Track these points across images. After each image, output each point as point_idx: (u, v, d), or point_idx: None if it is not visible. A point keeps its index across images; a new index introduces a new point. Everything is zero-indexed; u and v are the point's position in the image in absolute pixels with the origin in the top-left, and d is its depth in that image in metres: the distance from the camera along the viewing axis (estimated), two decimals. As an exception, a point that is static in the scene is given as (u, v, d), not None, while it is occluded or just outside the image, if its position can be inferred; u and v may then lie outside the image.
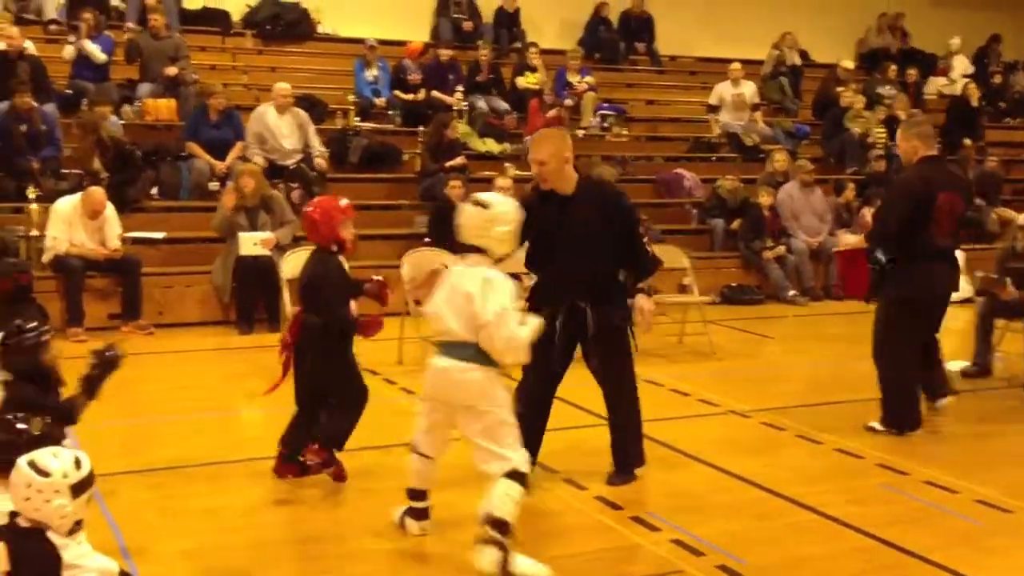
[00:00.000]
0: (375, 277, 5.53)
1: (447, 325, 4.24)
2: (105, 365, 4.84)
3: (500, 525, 4.04)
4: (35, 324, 4.78)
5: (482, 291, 4.14)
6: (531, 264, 5.39)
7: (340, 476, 5.21)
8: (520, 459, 4.17)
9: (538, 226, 5.04)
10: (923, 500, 5.18)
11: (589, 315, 5.14)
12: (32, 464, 3.28)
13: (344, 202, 5.26)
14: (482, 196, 4.42)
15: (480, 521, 4.09)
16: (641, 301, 5.33)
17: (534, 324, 4.23)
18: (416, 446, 4.52)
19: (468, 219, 4.31)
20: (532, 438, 5.18)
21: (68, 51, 11.66)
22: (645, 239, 5.45)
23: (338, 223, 5.14)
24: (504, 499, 4.07)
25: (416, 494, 4.56)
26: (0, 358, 4.70)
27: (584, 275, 5.16)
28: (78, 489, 3.30)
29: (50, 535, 3.29)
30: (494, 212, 4.30)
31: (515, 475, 4.12)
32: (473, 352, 4.18)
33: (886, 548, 4.55)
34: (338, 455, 5.22)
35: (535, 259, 5.33)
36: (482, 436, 4.20)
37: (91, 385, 4.76)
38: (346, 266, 5.40)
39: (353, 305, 5.61)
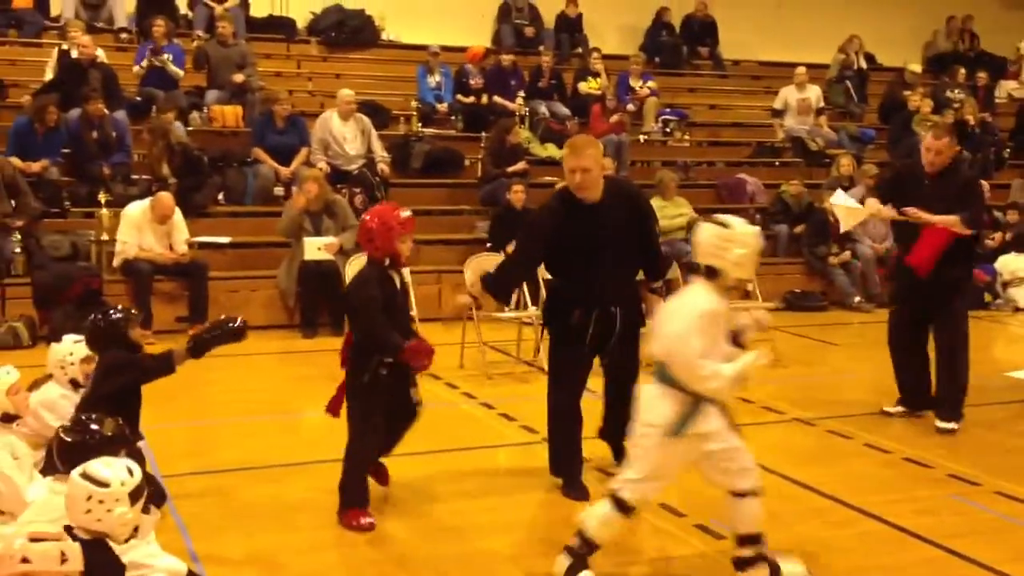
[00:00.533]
0: (418, 339, 4.93)
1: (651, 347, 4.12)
2: (223, 332, 4.91)
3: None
4: (118, 307, 5.04)
5: (671, 316, 4.03)
6: (556, 271, 5.34)
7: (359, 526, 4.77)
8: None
9: (569, 233, 5.08)
10: (994, 512, 5.08)
11: (619, 318, 5.18)
12: (87, 476, 3.26)
13: (406, 214, 4.85)
14: (723, 216, 4.14)
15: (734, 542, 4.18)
16: (652, 302, 5.26)
17: (744, 361, 4.06)
18: None
19: (706, 237, 4.05)
20: (575, 447, 5.32)
21: (141, 66, 11.80)
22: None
23: (396, 236, 4.77)
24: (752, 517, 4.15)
25: None
26: (89, 338, 4.79)
27: (617, 280, 5.20)
28: (135, 495, 3.31)
29: (110, 543, 3.30)
30: (734, 233, 4.02)
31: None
32: (664, 374, 4.04)
33: (955, 559, 4.46)
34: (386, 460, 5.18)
35: (561, 266, 5.29)
36: None
37: (199, 345, 4.83)
38: (400, 280, 4.94)
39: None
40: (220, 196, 10.90)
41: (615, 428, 5.48)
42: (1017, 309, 11.38)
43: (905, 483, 5.57)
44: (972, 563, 4.42)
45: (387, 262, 4.82)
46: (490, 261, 8.78)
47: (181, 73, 11.89)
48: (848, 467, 5.87)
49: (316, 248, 9.49)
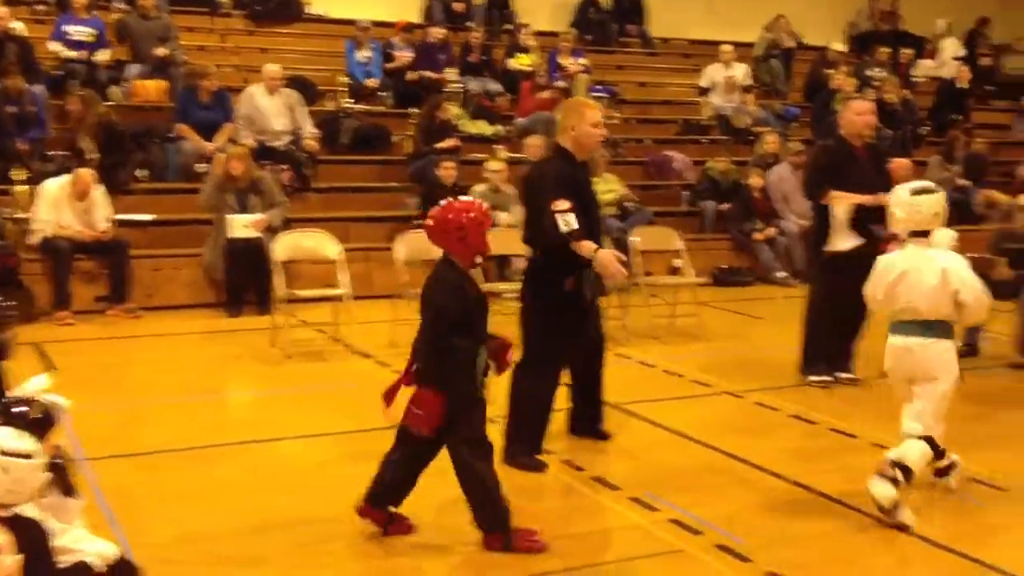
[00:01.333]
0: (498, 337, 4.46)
1: (912, 305, 4.64)
2: None
3: (906, 470, 4.51)
4: (7, 304, 4.79)
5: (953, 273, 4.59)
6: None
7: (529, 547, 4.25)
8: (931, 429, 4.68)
9: (578, 194, 5.16)
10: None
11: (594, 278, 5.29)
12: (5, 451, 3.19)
13: (486, 205, 4.44)
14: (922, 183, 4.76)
15: (886, 460, 4.54)
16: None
17: None
18: None
19: (930, 206, 4.68)
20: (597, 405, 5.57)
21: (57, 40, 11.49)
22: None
23: (486, 229, 4.31)
24: (919, 456, 4.61)
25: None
26: None
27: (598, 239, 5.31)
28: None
29: (42, 524, 3.23)
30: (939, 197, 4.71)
31: (929, 440, 4.66)
32: (939, 329, 4.63)
33: (880, 525, 4.54)
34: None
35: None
36: (924, 398, 4.68)
37: None
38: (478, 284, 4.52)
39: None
40: (142, 173, 10.63)
41: (592, 414, 5.62)
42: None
43: (832, 452, 5.67)
44: (898, 528, 4.50)
45: (479, 261, 4.35)
46: (421, 239, 8.71)
47: (108, 53, 11.56)
48: (776, 438, 5.96)
49: (242, 225, 9.33)
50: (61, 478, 3.42)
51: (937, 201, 4.74)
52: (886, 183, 6.61)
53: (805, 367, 7.11)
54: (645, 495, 4.86)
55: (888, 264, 4.80)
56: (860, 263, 6.68)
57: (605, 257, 5.06)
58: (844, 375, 7.08)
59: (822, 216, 6.90)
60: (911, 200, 4.74)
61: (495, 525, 4.23)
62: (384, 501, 4.40)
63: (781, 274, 11.62)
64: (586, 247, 5.07)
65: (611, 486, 4.98)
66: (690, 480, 5.16)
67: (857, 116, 6.80)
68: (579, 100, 5.83)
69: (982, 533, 4.61)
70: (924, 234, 4.73)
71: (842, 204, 6.73)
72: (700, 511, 4.64)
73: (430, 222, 4.32)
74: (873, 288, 4.89)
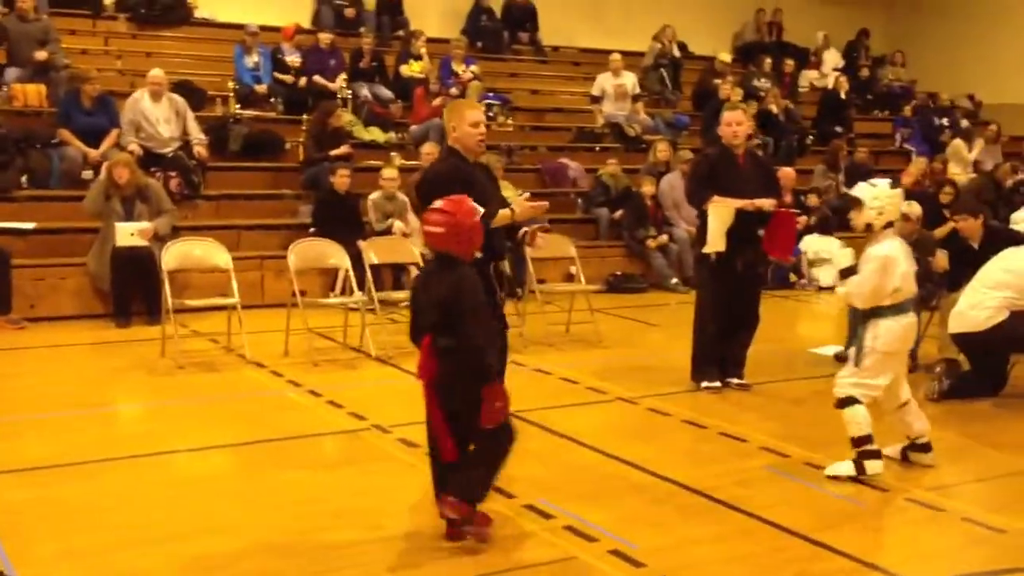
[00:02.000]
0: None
1: (909, 286, 5.31)
2: None
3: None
4: None
5: None
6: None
7: (482, 536, 4.41)
8: None
9: (474, 189, 5.20)
10: (804, 481, 5.34)
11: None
12: None
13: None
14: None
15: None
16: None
17: None
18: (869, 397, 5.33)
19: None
20: None
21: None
22: None
23: (481, 228, 4.45)
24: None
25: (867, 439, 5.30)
26: None
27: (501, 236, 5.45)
28: None
29: None
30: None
31: None
32: None
33: (771, 528, 4.67)
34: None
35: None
36: None
37: None
38: None
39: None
40: (23, 180, 10.30)
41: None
42: (821, 288, 12.00)
43: (721, 456, 5.80)
44: (785, 531, 4.63)
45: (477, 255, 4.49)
46: (315, 246, 8.66)
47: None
48: (668, 443, 6.08)
49: (129, 234, 9.10)
50: None
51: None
52: (768, 190, 6.91)
53: (696, 373, 7.27)
54: (539, 502, 4.90)
55: (895, 255, 5.26)
56: (737, 269, 6.96)
57: (520, 207, 5.41)
58: (735, 381, 7.25)
59: (704, 223, 7.08)
60: (892, 193, 5.39)
61: (471, 495, 4.35)
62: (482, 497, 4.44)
63: (674, 280, 11.84)
64: (501, 215, 5.27)
65: (506, 494, 5.00)
66: (584, 486, 5.22)
67: (726, 126, 6.98)
68: (459, 102, 5.98)
69: (863, 535, 4.78)
70: (890, 224, 5.35)
71: (719, 209, 6.92)
72: (594, 517, 4.70)
73: (439, 229, 4.32)
74: (888, 280, 5.23)
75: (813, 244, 12.40)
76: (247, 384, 7.31)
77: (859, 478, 5.30)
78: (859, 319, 5.40)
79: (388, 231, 10.21)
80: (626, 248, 12.09)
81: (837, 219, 13.26)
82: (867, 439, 5.33)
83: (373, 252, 8.66)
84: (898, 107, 17.95)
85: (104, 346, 8.49)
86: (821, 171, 14.21)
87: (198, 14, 14.48)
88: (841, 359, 8.10)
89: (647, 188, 12.13)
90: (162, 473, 5.40)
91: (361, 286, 8.47)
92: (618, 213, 12.31)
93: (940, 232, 9.43)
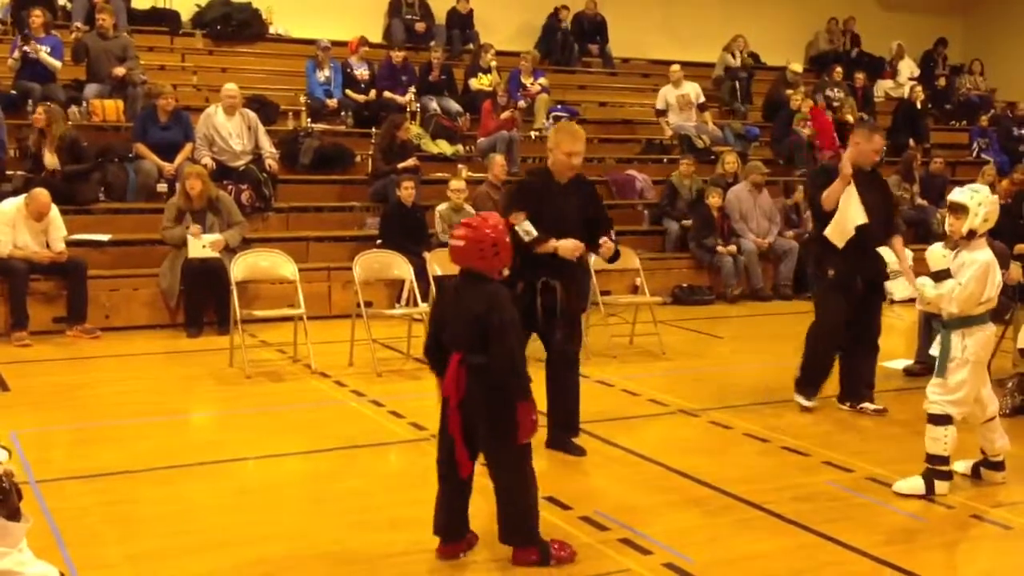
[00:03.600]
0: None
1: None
2: None
3: None
4: None
5: None
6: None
7: (565, 560, 4.33)
8: None
9: (541, 205, 5.68)
10: (867, 497, 5.25)
11: (560, 292, 5.78)
12: None
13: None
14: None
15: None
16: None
17: None
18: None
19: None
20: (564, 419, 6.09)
21: (14, 59, 11.40)
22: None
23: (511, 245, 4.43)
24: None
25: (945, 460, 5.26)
26: None
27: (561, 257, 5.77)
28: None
29: None
30: None
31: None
32: None
33: (829, 544, 4.60)
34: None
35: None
36: None
37: None
38: None
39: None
40: (99, 193, 10.59)
41: (561, 429, 6.05)
42: (893, 301, 11.78)
43: (782, 471, 5.73)
44: (845, 547, 4.57)
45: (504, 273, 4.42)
46: (380, 258, 8.76)
47: (58, 64, 11.52)
48: (729, 456, 6.02)
49: (201, 246, 9.31)
50: (5, 502, 3.41)
51: None
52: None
53: (798, 388, 7.04)
54: (595, 513, 4.89)
55: (994, 263, 5.23)
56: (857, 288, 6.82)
57: (562, 244, 5.70)
58: (870, 407, 6.98)
59: (822, 239, 6.94)
60: (994, 199, 5.35)
61: (531, 539, 4.31)
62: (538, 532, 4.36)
63: (737, 291, 11.73)
64: (547, 245, 5.65)
65: (562, 505, 5.01)
66: (641, 499, 5.20)
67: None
68: (566, 126, 6.41)
69: (921, 552, 4.68)
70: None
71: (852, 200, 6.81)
72: (650, 530, 4.68)
73: (460, 242, 4.29)
74: (987, 287, 5.18)
75: (886, 256, 12.15)
76: (312, 394, 7.41)
77: (927, 496, 5.20)
78: (941, 328, 5.27)
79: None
80: (693, 259, 12.01)
81: (912, 230, 13.05)
82: (945, 460, 5.22)
83: (437, 264, 8.73)
84: (976, 117, 17.56)
85: (175, 355, 8.68)
86: (895, 182, 13.93)
87: (272, 30, 14.78)
88: (911, 373, 7.99)
89: (714, 200, 12.04)
90: (228, 480, 5.50)
91: (425, 297, 8.55)
92: (686, 222, 12.25)
93: (1022, 248, 9.13)
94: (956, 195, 5.34)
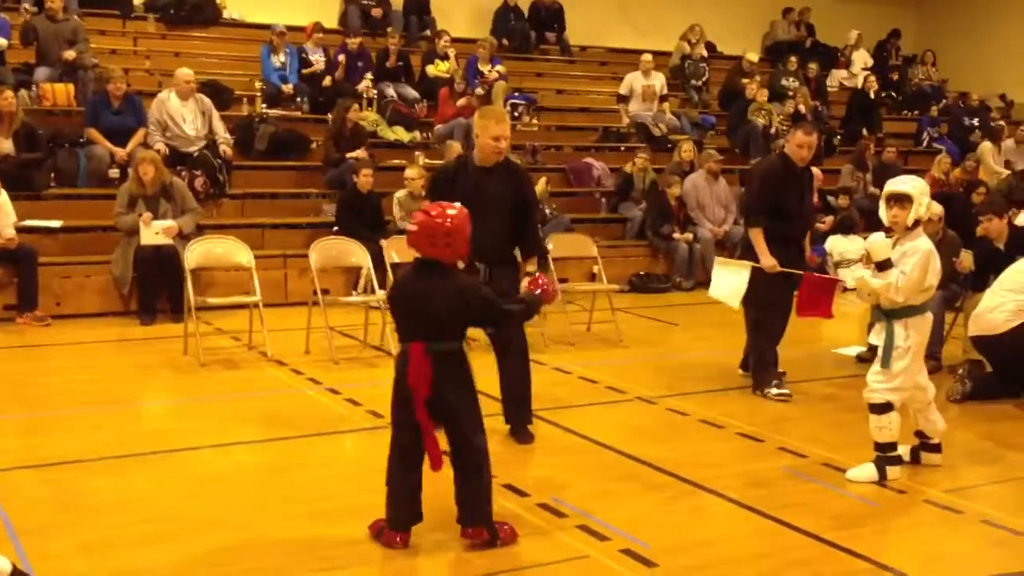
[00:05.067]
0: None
1: None
2: None
3: None
4: None
5: None
6: None
7: (510, 541, 4.41)
8: None
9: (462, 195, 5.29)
10: (821, 482, 5.31)
11: (484, 274, 5.67)
12: None
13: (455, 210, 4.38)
14: None
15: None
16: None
17: None
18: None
19: None
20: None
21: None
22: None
23: (468, 233, 4.35)
24: None
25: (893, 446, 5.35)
26: None
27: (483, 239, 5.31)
28: None
29: None
30: None
31: None
32: None
33: (785, 529, 4.65)
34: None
35: None
36: None
37: None
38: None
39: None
40: (51, 178, 10.42)
41: (508, 416, 6.03)
42: (846, 289, 11.86)
43: (738, 457, 5.78)
44: (799, 532, 4.61)
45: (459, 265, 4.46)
46: (336, 245, 8.70)
47: (4, 42, 11.29)
48: (685, 443, 6.05)
49: (153, 232, 9.18)
50: None
51: None
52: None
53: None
54: (552, 500, 4.91)
55: (935, 251, 5.26)
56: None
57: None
58: None
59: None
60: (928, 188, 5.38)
61: (484, 519, 4.37)
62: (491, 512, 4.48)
63: (678, 279, 11.79)
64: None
65: (520, 492, 5.01)
66: (599, 486, 5.21)
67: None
68: (489, 111, 6.11)
69: (876, 536, 4.74)
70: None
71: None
72: (607, 516, 4.70)
73: (414, 227, 4.27)
74: (931, 274, 5.20)
75: (838, 245, 12.31)
76: (268, 382, 7.36)
77: (880, 483, 5.26)
78: (882, 318, 5.32)
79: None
80: (650, 247, 12.05)
81: (864, 219, 13.19)
82: (893, 446, 5.29)
83: (394, 251, 8.69)
84: (928, 107, 17.79)
85: (128, 343, 8.57)
86: (849, 171, 14.11)
87: (226, 14, 14.60)
88: (863, 360, 8.08)
89: (674, 190, 12.07)
90: (182, 470, 5.44)
91: (383, 285, 8.50)
92: (641, 206, 12.29)
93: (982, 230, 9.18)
94: (898, 186, 5.32)
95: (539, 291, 4.60)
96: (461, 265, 4.50)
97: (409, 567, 4.25)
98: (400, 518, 4.37)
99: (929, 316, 5.36)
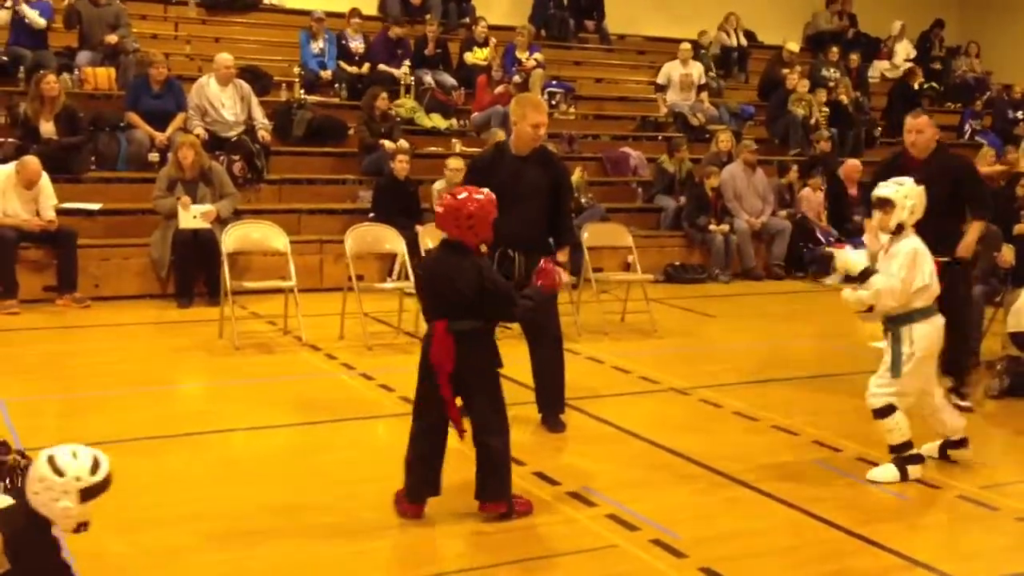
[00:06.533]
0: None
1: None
2: None
3: None
4: None
5: None
6: None
7: (523, 511, 4.57)
8: None
9: (494, 182, 5.25)
10: (854, 476, 5.26)
11: (519, 262, 5.65)
12: (51, 460, 3.20)
13: (492, 194, 4.50)
14: None
15: None
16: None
17: None
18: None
19: None
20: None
21: (3, 15, 11.38)
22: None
23: (492, 218, 4.46)
24: None
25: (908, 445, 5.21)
26: None
27: (518, 227, 5.49)
28: (88, 494, 3.22)
29: (54, 530, 3.25)
30: None
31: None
32: None
33: (815, 522, 4.62)
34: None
35: None
36: None
37: None
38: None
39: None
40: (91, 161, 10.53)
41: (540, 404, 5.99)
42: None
43: (771, 449, 5.74)
44: (831, 525, 4.58)
45: (482, 248, 4.55)
46: (372, 231, 8.73)
47: (43, 22, 11.38)
48: (718, 434, 6.02)
49: (192, 216, 9.26)
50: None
51: None
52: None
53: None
54: (583, 490, 4.90)
55: (923, 249, 5.12)
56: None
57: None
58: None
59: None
60: (920, 190, 5.16)
61: (504, 495, 4.50)
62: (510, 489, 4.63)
63: (716, 271, 11.71)
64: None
65: (551, 480, 5.01)
66: (630, 476, 5.20)
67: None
68: (527, 99, 6.12)
69: (907, 531, 4.70)
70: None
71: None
72: (637, 506, 4.69)
73: (440, 209, 4.42)
74: (918, 274, 5.07)
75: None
76: (302, 366, 7.40)
77: (904, 482, 5.21)
78: (889, 326, 5.17)
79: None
80: (686, 237, 11.98)
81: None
82: (908, 445, 5.20)
83: (429, 237, 8.69)
84: (971, 99, 17.53)
85: (165, 326, 8.66)
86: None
87: (267, 0, 14.65)
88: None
89: (712, 180, 11.98)
90: (217, 452, 5.49)
91: (418, 271, 8.51)
92: (680, 198, 12.22)
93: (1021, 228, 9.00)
94: (882, 190, 5.18)
95: (539, 281, 4.60)
96: (484, 248, 4.59)
97: (442, 550, 4.26)
98: (417, 489, 4.49)
99: (937, 321, 5.17)
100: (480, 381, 4.45)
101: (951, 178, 6.38)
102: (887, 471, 5.22)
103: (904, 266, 5.05)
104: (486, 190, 4.48)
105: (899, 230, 5.13)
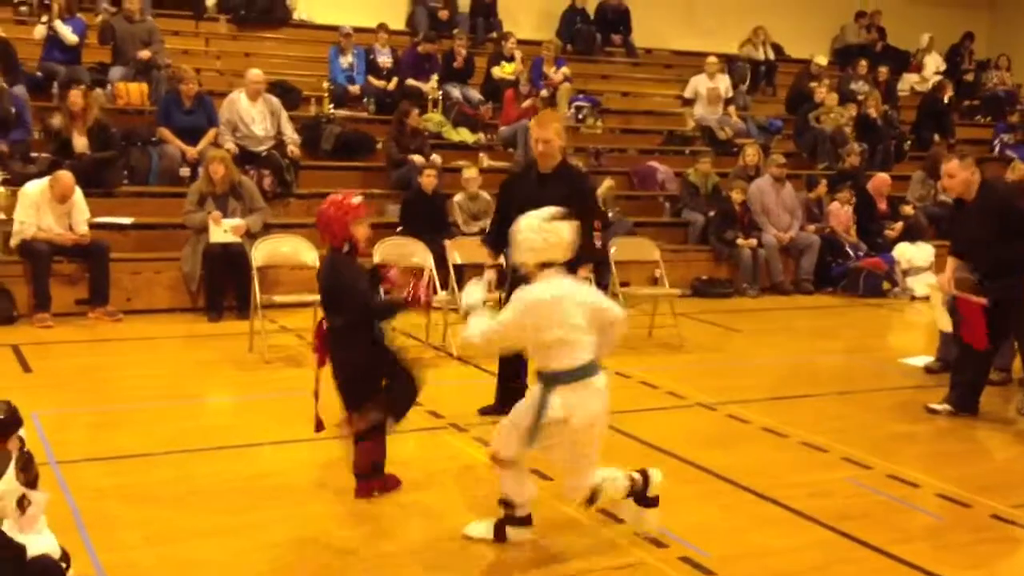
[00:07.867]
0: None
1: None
2: None
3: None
4: None
5: None
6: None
7: (389, 489, 5.03)
8: None
9: (511, 200, 5.54)
10: (885, 494, 5.23)
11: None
12: None
13: (357, 199, 4.94)
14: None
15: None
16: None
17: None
18: None
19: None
20: None
21: (39, 31, 11.54)
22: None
23: (351, 220, 4.85)
24: None
25: None
26: None
27: None
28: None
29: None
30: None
31: None
32: None
33: (845, 540, 4.59)
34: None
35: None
36: None
37: None
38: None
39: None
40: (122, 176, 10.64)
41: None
42: (914, 297, 11.71)
43: (800, 466, 5.71)
44: (861, 544, 4.55)
45: (347, 248, 4.89)
46: (400, 245, 8.77)
47: (75, 39, 11.53)
48: (746, 451, 6.00)
49: (222, 231, 9.34)
50: (28, 469, 3.46)
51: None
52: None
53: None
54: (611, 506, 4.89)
55: None
56: None
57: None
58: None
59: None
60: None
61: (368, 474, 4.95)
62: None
63: (744, 285, 11.67)
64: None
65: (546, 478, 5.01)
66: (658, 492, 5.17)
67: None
68: (536, 115, 6.44)
69: (938, 551, 4.66)
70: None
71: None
72: (666, 523, 4.66)
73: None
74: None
75: (907, 252, 12.12)
76: (330, 380, 7.40)
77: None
78: None
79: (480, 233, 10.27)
80: (713, 252, 11.95)
81: (934, 227, 12.97)
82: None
83: (457, 252, 8.73)
84: (1002, 112, 17.40)
85: (195, 339, 8.72)
86: (920, 178, 13.84)
87: (296, 16, 14.80)
88: (931, 371, 7.93)
89: (737, 194, 11.96)
90: (246, 465, 5.52)
91: (445, 285, 8.55)
92: (709, 213, 12.20)
93: None
94: None
95: (409, 297, 5.00)
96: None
97: (466, 568, 4.26)
98: (373, 465, 5.01)
99: None
100: (344, 376, 4.89)
101: (996, 216, 6.57)
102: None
103: None
104: (359, 196, 4.91)
105: None
